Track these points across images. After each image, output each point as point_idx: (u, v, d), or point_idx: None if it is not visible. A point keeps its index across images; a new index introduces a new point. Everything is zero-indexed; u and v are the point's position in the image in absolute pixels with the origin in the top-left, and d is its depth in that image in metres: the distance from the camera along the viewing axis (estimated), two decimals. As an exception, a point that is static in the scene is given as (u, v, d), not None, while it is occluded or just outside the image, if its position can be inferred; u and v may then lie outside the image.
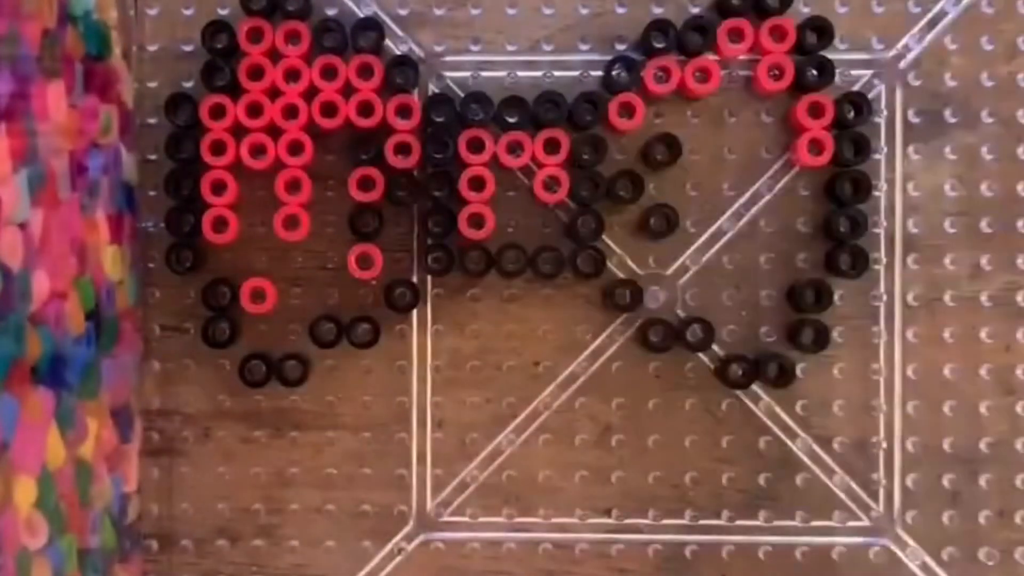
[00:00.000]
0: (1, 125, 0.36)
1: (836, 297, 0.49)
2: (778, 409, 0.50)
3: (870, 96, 0.49)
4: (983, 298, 0.50)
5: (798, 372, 0.49)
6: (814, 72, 0.48)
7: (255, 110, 0.48)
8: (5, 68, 0.36)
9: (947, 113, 0.50)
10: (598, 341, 0.50)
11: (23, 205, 0.38)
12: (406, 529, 0.50)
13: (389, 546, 0.50)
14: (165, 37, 0.50)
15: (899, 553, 0.50)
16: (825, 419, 0.50)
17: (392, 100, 0.48)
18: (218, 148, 0.48)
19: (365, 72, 0.48)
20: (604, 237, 0.49)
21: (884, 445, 0.50)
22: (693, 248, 0.50)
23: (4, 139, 0.36)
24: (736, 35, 0.48)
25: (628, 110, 0.48)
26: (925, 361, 0.50)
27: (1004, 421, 0.50)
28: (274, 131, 0.48)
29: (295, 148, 0.48)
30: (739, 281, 0.50)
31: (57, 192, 0.41)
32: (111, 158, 0.47)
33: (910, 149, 0.50)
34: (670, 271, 0.50)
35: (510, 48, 0.50)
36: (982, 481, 0.50)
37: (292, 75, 0.48)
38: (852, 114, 0.49)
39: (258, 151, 0.48)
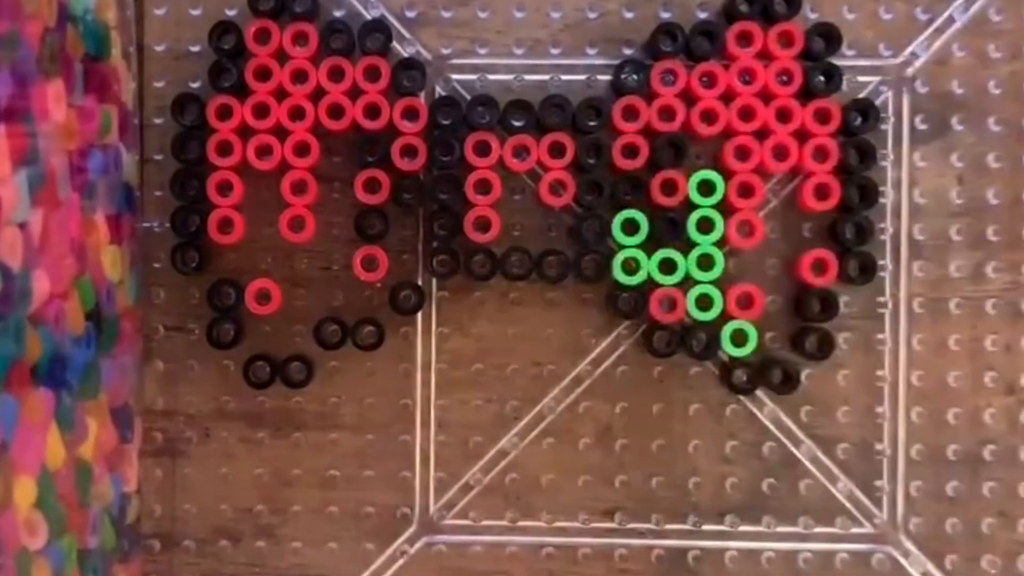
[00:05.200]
0: (1, 125, 0.36)
1: (841, 304, 0.49)
2: (782, 414, 0.50)
3: (877, 102, 0.49)
4: (988, 306, 0.49)
5: (802, 378, 0.49)
6: (821, 78, 0.48)
7: (262, 111, 0.48)
8: (5, 68, 0.36)
9: (954, 120, 0.49)
10: (603, 345, 0.50)
11: (23, 205, 0.37)
12: (409, 531, 0.50)
13: (391, 548, 0.50)
14: (172, 37, 0.50)
15: (902, 560, 0.50)
16: (829, 425, 0.50)
17: (399, 102, 0.48)
18: (224, 149, 0.48)
19: (372, 74, 0.48)
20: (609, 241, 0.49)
21: (888, 452, 0.50)
22: (698, 253, 0.50)
23: (4, 139, 0.36)
24: (745, 38, 0.48)
25: (632, 113, 0.48)
26: (930, 368, 0.50)
27: (1008, 428, 0.50)
28: (280, 132, 0.48)
29: (301, 149, 0.48)
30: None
31: (57, 192, 0.41)
32: (111, 158, 0.46)
33: (916, 155, 0.49)
34: (675, 276, 0.50)
35: (517, 51, 0.50)
36: (985, 489, 0.50)
37: (299, 76, 0.48)
38: (859, 121, 0.48)
39: (264, 152, 0.48)
